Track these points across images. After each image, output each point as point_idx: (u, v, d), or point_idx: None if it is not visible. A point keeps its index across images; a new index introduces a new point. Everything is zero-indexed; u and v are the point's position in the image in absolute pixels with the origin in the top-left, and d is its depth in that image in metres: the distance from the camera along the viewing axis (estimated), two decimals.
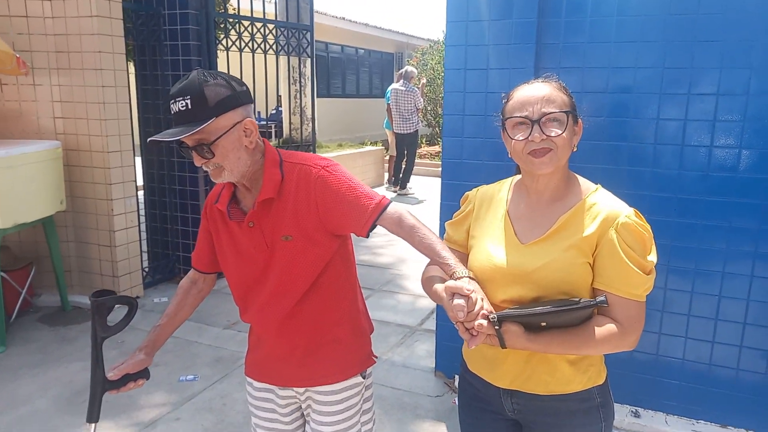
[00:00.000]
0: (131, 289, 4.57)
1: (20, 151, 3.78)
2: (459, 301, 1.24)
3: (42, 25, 4.20)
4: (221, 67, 4.95)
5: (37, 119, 4.34)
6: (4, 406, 3.17)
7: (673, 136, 2.70)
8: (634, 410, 2.94)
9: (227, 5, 8.60)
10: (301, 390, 1.67)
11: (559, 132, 1.34)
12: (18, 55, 3.65)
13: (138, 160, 4.78)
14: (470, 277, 1.35)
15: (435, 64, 14.70)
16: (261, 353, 1.70)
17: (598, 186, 1.46)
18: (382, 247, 6.32)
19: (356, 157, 9.90)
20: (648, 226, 1.36)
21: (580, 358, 1.43)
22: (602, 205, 1.39)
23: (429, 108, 14.10)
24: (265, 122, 10.97)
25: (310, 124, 7.38)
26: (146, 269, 4.86)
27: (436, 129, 14.07)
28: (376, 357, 1.76)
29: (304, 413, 1.73)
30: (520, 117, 1.37)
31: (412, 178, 9.70)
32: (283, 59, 6.64)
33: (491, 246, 1.47)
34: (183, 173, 4.97)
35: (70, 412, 3.14)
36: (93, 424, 1.50)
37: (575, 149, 1.41)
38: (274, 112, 12.45)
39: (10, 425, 3.00)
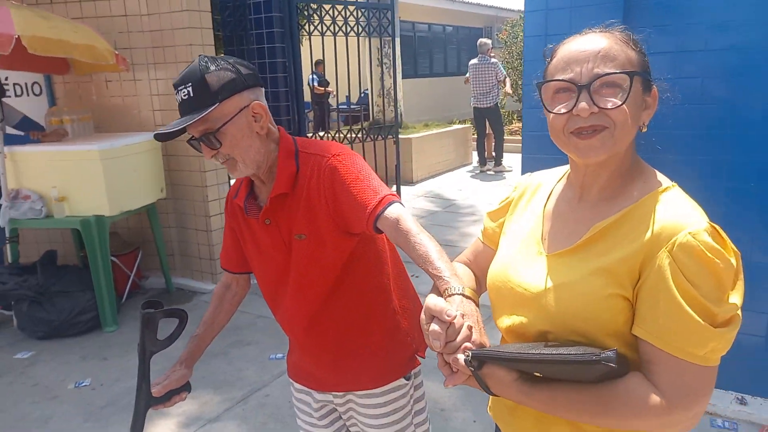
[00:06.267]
0: None
1: (122, 142, 4.07)
2: (435, 328, 0.95)
3: (139, 23, 4.47)
4: (306, 52, 5.04)
5: (138, 112, 4.64)
6: (118, 377, 3.46)
7: None
8: (740, 397, 2.71)
9: None
10: (340, 394, 1.59)
11: (618, 103, 0.92)
12: (117, 53, 3.90)
13: None
14: (465, 295, 1.03)
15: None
16: (296, 355, 1.64)
17: (673, 185, 1.00)
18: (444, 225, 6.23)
19: (442, 137, 9.70)
20: (730, 252, 0.90)
21: None
22: (663, 213, 0.93)
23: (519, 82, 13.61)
24: (356, 107, 11.17)
25: (396, 105, 7.36)
26: None
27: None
28: (422, 356, 1.60)
29: (344, 417, 1.65)
30: (562, 81, 0.95)
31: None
32: (367, 41, 6.65)
33: (513, 251, 1.11)
34: None
35: None
36: None
37: (645, 129, 0.99)
38: (362, 95, 12.57)
39: (123, 393, 3.28)
